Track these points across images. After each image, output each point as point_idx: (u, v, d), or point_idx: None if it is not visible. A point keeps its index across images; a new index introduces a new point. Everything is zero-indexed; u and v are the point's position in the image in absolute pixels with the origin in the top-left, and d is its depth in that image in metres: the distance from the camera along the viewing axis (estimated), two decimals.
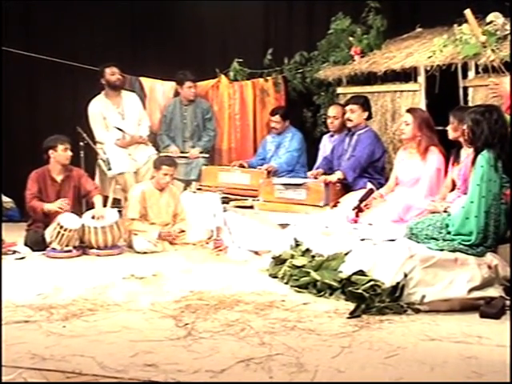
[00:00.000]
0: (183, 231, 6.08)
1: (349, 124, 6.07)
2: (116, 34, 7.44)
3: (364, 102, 6.04)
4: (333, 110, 6.52)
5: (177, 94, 7.45)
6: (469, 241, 4.21)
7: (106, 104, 6.95)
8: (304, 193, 5.92)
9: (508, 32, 5.38)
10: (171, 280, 4.81)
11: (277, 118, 6.94)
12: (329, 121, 6.55)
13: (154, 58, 7.47)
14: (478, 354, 3.35)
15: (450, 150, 5.05)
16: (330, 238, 4.89)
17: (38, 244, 5.73)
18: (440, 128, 5.45)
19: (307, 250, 4.84)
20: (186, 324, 3.78)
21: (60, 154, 5.91)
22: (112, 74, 6.91)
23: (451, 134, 4.87)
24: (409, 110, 5.48)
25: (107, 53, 7.26)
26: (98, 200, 5.97)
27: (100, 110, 6.92)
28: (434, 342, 3.55)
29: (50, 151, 5.91)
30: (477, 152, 4.32)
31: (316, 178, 6.02)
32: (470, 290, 4.05)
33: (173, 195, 6.23)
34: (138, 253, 5.82)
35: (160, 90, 7.57)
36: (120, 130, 6.90)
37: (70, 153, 5.96)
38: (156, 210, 6.10)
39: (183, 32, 7.54)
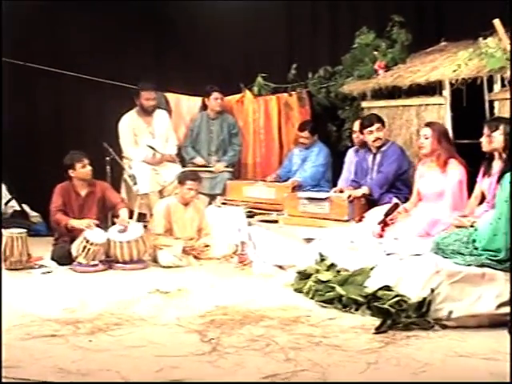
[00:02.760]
0: (208, 246, 6.08)
1: (377, 143, 6.00)
2: (141, 49, 7.51)
3: (382, 119, 6.05)
4: (358, 125, 6.49)
5: (203, 108, 7.50)
6: (496, 256, 4.14)
7: (138, 122, 7.01)
8: (327, 207, 5.90)
9: None
10: (196, 294, 4.80)
11: (306, 133, 6.97)
12: (354, 135, 6.54)
13: (179, 74, 7.51)
14: (507, 371, 3.28)
15: (478, 164, 4.99)
16: (355, 252, 4.87)
17: (64, 258, 5.76)
18: (466, 141, 5.41)
19: (332, 265, 4.81)
20: (211, 339, 3.77)
21: (79, 171, 5.94)
22: (147, 99, 6.95)
23: (486, 146, 4.78)
24: (427, 124, 5.47)
25: (133, 68, 7.32)
26: (123, 213, 5.99)
27: (131, 127, 6.99)
28: (461, 358, 3.49)
29: (70, 170, 5.96)
30: (504, 169, 4.25)
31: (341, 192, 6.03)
32: (499, 306, 3.98)
33: (197, 210, 6.24)
34: (163, 267, 5.83)
35: (185, 105, 7.64)
36: (152, 148, 6.95)
37: (89, 168, 5.97)
38: (181, 225, 6.11)
39: (208, 47, 7.58)
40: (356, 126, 6.51)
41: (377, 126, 5.97)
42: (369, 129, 6.01)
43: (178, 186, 6.28)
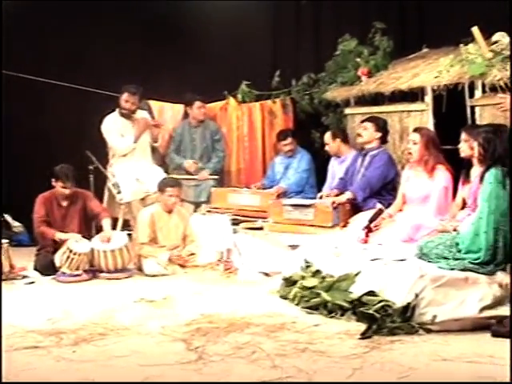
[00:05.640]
0: (193, 254, 6.08)
1: (359, 140, 6.13)
2: (125, 56, 7.50)
3: (379, 123, 6.09)
4: (325, 138, 6.66)
5: (185, 116, 7.50)
6: (478, 258, 4.20)
7: (122, 121, 6.95)
8: (312, 214, 5.94)
9: None
10: (181, 303, 4.80)
11: (289, 140, 7.05)
12: (326, 147, 6.67)
13: (163, 81, 7.50)
14: (491, 374, 3.32)
15: (460, 170, 5.06)
16: (340, 258, 4.89)
17: (47, 268, 5.73)
18: (449, 147, 5.48)
19: (317, 271, 4.83)
20: (197, 347, 3.76)
21: (59, 189, 5.95)
22: (126, 101, 6.91)
23: (465, 152, 4.87)
24: (416, 130, 5.52)
25: (117, 75, 7.30)
26: (106, 223, 5.98)
27: (116, 126, 6.92)
28: (446, 362, 3.52)
29: (53, 180, 5.96)
30: (485, 169, 4.33)
31: (328, 196, 6.08)
32: (482, 309, 4.02)
33: (182, 217, 6.24)
34: (148, 276, 5.82)
35: (169, 112, 7.64)
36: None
37: (67, 191, 5.93)
38: (165, 233, 6.11)
39: (191, 54, 7.59)
40: (327, 137, 6.62)
41: (364, 124, 6.08)
42: (361, 124, 6.15)
43: (158, 193, 6.27)
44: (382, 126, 6.08)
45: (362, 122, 6.15)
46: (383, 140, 6.10)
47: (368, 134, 6.05)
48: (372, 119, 6.10)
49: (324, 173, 6.78)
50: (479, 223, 4.24)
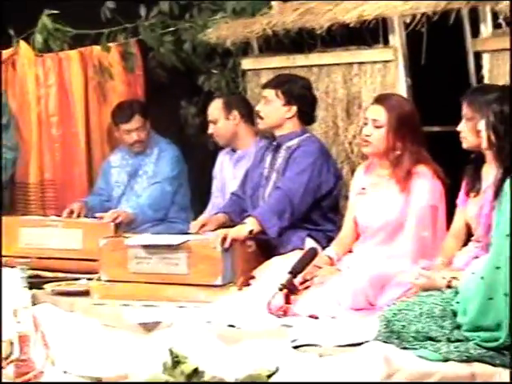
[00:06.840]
0: None
1: (260, 124, 6.28)
2: None
3: (293, 89, 6.16)
4: (210, 110, 6.85)
5: None
6: (496, 340, 4.24)
7: None
8: (184, 261, 5.95)
9: None
10: None
11: (135, 122, 7.17)
12: (210, 128, 6.82)
13: None
14: None
15: (460, 172, 5.19)
16: (237, 345, 4.92)
17: None
18: (437, 130, 5.56)
19: (196, 372, 4.80)
20: None
21: None
22: None
23: (468, 141, 4.98)
24: (379, 99, 5.62)
25: None
26: None
27: None
28: None
29: None
30: (504, 172, 4.38)
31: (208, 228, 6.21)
32: None
33: None
34: None
35: None
36: None
37: None
38: None
39: None
40: (214, 110, 6.81)
41: (265, 93, 6.19)
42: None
43: None
44: (298, 92, 6.17)
45: (263, 87, 6.28)
46: (307, 119, 6.21)
47: (272, 110, 6.15)
48: (278, 82, 6.20)
49: (206, 181, 6.89)
50: (495, 277, 4.26)
